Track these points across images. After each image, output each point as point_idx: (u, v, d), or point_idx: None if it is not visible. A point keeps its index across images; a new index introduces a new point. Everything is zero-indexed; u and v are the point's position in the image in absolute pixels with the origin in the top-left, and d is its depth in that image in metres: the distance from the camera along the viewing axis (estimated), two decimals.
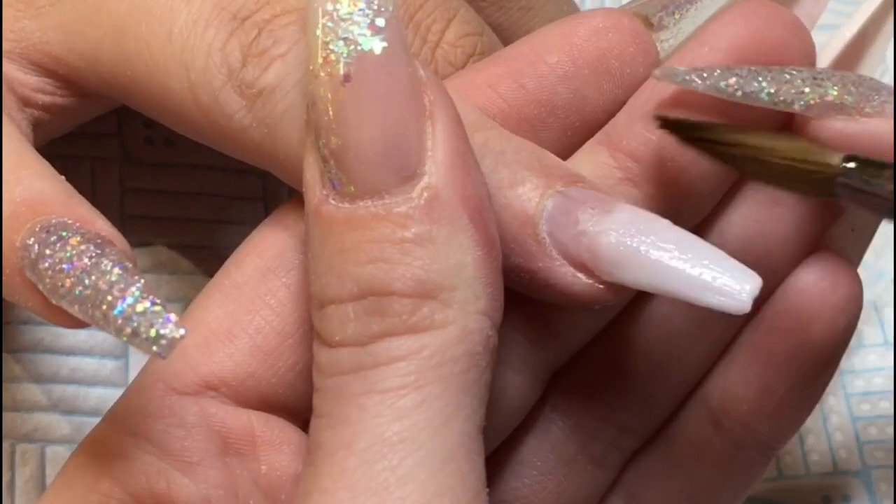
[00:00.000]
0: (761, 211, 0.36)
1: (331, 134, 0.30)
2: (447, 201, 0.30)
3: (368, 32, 0.30)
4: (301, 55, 0.33)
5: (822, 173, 0.32)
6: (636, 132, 0.35)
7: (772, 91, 0.34)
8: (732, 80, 0.34)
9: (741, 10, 0.35)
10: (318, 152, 0.31)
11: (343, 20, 0.30)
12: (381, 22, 0.30)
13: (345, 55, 0.30)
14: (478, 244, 0.31)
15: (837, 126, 0.34)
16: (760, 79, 0.34)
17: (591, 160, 0.35)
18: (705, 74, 0.34)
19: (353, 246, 0.30)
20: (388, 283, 0.30)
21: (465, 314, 0.30)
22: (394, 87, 0.30)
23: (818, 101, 0.34)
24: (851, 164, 0.32)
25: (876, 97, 0.34)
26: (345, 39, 0.30)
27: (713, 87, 0.34)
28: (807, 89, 0.34)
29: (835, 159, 0.32)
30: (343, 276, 0.30)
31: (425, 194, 0.30)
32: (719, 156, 0.33)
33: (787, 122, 0.35)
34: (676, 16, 0.36)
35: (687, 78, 0.34)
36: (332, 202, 0.30)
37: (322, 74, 0.30)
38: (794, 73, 0.34)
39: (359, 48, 0.30)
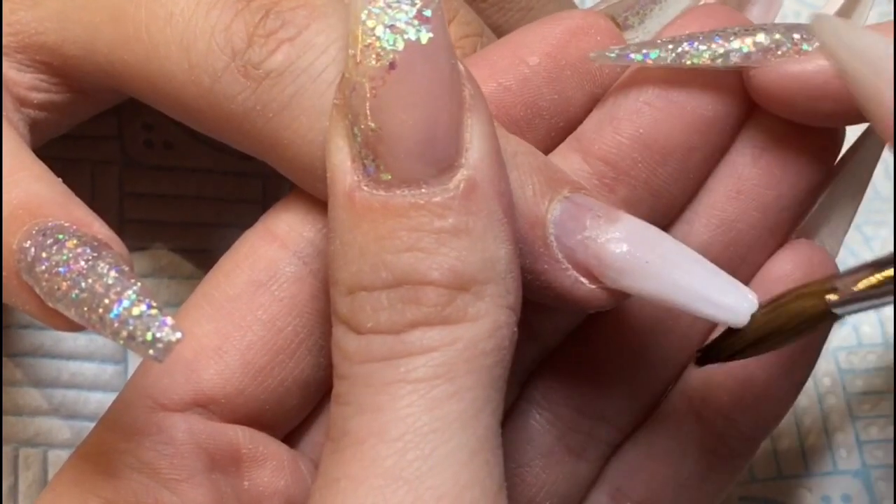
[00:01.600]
0: (724, 201, 0.36)
1: (369, 121, 0.30)
2: (484, 194, 0.30)
3: (416, 22, 0.30)
4: (311, 40, 0.32)
5: (817, 311, 0.34)
6: (607, 136, 0.35)
7: (704, 48, 0.35)
8: (662, 46, 0.35)
9: (698, 13, 0.36)
10: (352, 138, 0.30)
11: (391, 7, 0.30)
12: (428, 12, 0.30)
13: (391, 43, 0.30)
14: (510, 238, 0.31)
15: (781, 69, 0.34)
16: (693, 39, 0.35)
17: (565, 166, 0.35)
18: (638, 48, 0.35)
19: (389, 233, 0.30)
20: (425, 272, 0.30)
21: (497, 308, 0.31)
22: (437, 79, 0.30)
23: (752, 48, 0.34)
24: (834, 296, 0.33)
25: (807, 35, 0.35)
26: (391, 27, 0.30)
27: (647, 56, 0.35)
28: (735, 41, 0.35)
29: (823, 300, 0.34)
30: (377, 264, 0.30)
31: (463, 186, 0.30)
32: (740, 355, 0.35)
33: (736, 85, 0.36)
34: (641, 15, 0.37)
35: (620, 54, 0.35)
36: (366, 189, 0.30)
37: (365, 61, 0.30)
38: (722, 31, 0.35)
39: (405, 37, 0.30)
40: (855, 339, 0.46)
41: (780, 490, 0.44)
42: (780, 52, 0.34)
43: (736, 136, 0.36)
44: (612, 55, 0.35)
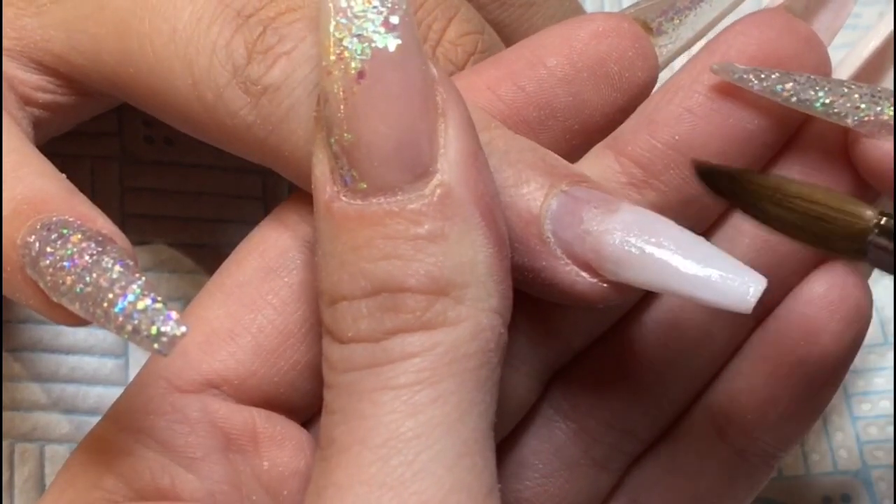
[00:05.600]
0: None
1: (343, 131, 0.30)
2: (460, 199, 0.30)
3: (383, 30, 0.30)
4: (307, 52, 0.33)
5: (855, 225, 0.32)
6: (642, 139, 0.35)
7: (827, 101, 0.34)
8: (789, 86, 0.34)
9: (755, 20, 0.35)
10: (329, 149, 0.30)
11: (357, 17, 0.30)
12: (395, 19, 0.30)
13: (359, 52, 0.30)
14: (489, 242, 0.31)
15: (886, 147, 0.34)
16: (818, 88, 0.34)
17: (596, 164, 0.35)
18: (763, 76, 0.34)
19: (365, 242, 0.30)
20: (402, 279, 0.30)
21: (478, 311, 0.31)
22: (407, 85, 0.30)
23: (872, 118, 0.34)
24: (885, 220, 0.32)
25: None
26: (359, 36, 0.30)
27: (769, 89, 0.34)
28: (863, 105, 0.34)
29: (869, 213, 0.32)
30: (356, 273, 0.30)
31: (438, 191, 0.30)
32: (750, 207, 0.33)
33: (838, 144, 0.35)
34: (676, 21, 0.37)
35: (745, 77, 0.34)
36: (344, 199, 0.30)
37: (335, 71, 0.30)
38: (853, 87, 0.34)
39: (373, 45, 0.30)
40: None
41: (780, 490, 0.44)
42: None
43: (778, 152, 0.36)
44: (735, 76, 0.34)
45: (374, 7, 0.30)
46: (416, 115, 0.30)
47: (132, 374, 0.36)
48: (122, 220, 0.42)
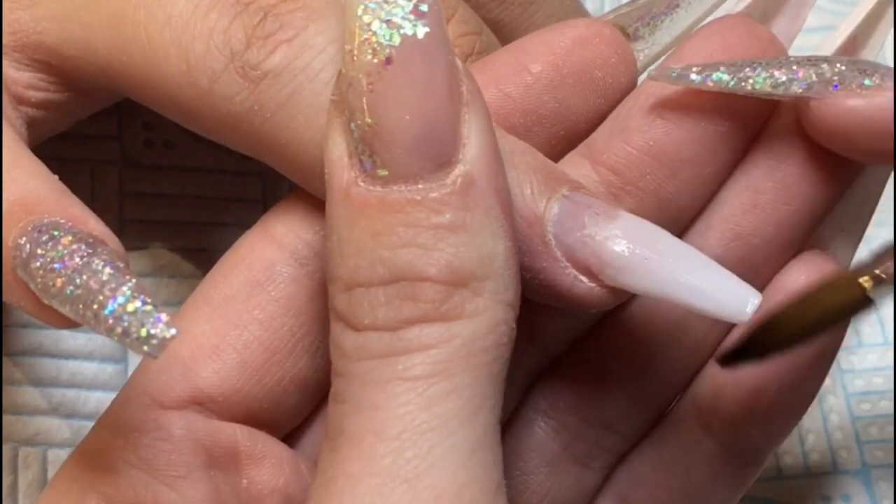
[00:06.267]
0: (740, 214, 0.36)
1: (366, 116, 0.30)
2: (482, 190, 0.30)
3: (412, 17, 0.30)
4: (309, 41, 0.33)
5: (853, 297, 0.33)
6: (617, 146, 0.35)
7: (766, 75, 0.34)
8: (724, 70, 0.34)
9: (717, 26, 0.36)
10: (349, 134, 0.30)
11: (387, 2, 0.30)
12: (424, 7, 0.30)
13: (387, 38, 0.30)
14: (508, 234, 0.31)
15: (840, 103, 0.34)
16: (755, 65, 0.34)
17: (573, 173, 0.35)
18: (696, 69, 0.34)
19: (386, 229, 0.30)
20: (422, 268, 0.30)
21: (495, 304, 0.30)
22: (434, 74, 0.30)
23: (815, 79, 0.34)
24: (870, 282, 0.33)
25: (870, 70, 0.34)
26: (388, 22, 0.30)
27: (708, 78, 0.34)
28: (800, 70, 0.34)
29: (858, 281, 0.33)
30: (374, 260, 0.30)
31: (460, 181, 0.30)
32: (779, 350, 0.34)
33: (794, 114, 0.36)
34: (652, 26, 0.37)
35: (682, 73, 0.34)
36: (362, 185, 0.30)
37: (361, 56, 0.30)
38: (784, 59, 0.35)
39: (402, 32, 0.30)
40: (855, 339, 0.46)
41: (780, 490, 0.44)
42: (842, 86, 0.34)
43: (750, 148, 0.36)
44: (673, 75, 0.34)
45: None
46: (442, 105, 0.30)
47: None
48: (122, 225, 0.42)
